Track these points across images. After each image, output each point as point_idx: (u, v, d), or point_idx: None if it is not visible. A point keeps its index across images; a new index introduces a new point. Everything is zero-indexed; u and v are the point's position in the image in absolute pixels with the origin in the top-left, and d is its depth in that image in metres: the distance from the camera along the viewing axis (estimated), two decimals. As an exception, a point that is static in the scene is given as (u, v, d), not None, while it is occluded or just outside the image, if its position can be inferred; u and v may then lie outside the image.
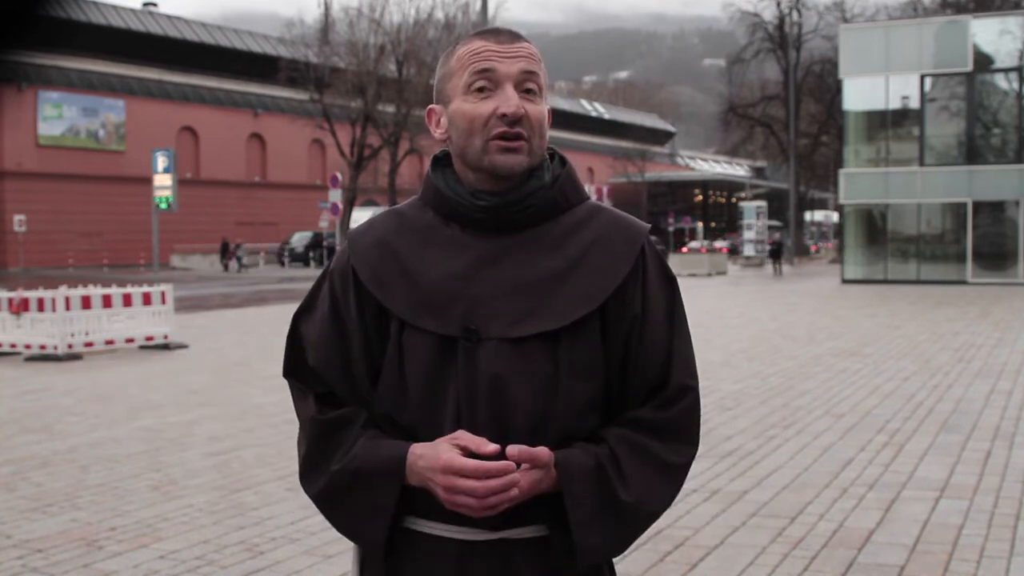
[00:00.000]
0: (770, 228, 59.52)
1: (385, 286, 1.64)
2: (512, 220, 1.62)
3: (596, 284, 1.61)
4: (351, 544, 1.73)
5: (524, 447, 1.51)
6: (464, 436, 1.53)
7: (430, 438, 1.58)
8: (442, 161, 1.69)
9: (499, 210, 1.61)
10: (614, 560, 1.73)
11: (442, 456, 1.50)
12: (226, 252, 47.51)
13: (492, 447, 1.51)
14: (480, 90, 1.59)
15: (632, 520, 1.60)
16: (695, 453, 1.68)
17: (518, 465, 1.51)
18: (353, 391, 1.66)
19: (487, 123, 1.58)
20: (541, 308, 1.59)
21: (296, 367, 1.72)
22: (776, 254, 39.68)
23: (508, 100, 1.57)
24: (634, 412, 1.63)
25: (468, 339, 1.58)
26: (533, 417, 1.56)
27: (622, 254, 1.64)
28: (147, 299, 14.67)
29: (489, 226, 1.62)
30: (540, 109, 1.62)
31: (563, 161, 1.70)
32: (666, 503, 1.65)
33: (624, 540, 1.62)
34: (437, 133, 1.67)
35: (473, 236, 1.62)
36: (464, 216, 1.63)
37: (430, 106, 1.69)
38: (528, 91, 1.60)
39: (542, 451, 1.53)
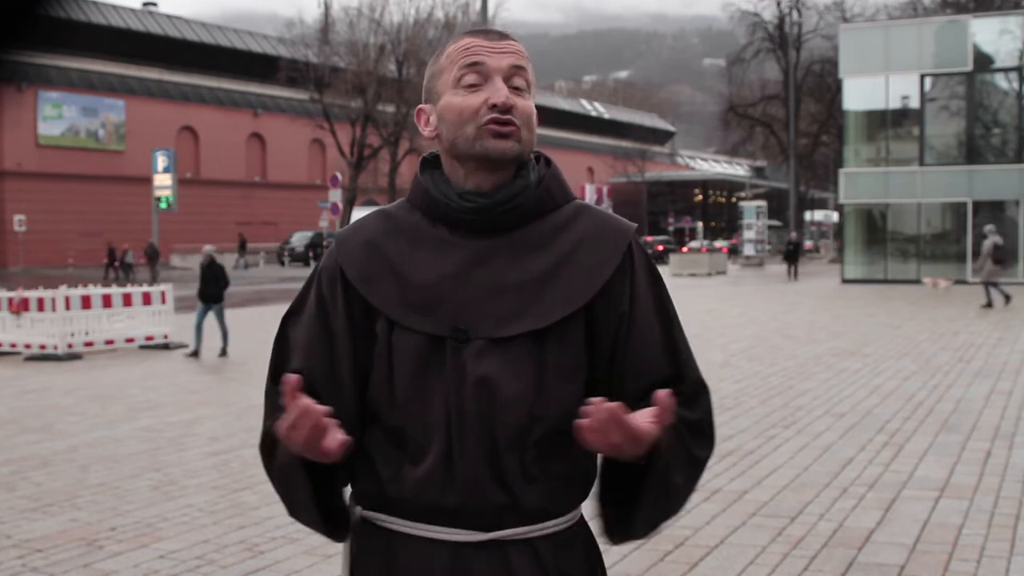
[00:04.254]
0: (776, 227, 59.57)
1: (374, 285, 1.64)
2: (499, 221, 1.63)
3: (582, 283, 1.62)
4: (343, 545, 1.73)
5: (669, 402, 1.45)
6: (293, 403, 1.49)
7: (419, 438, 1.59)
8: (431, 163, 1.70)
9: (486, 212, 1.62)
10: (615, 561, 1.73)
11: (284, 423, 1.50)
12: (113, 259, 41.15)
13: (296, 377, 1.49)
14: (470, 85, 1.61)
15: (673, 505, 1.65)
16: (714, 450, 1.70)
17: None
18: (336, 393, 1.64)
19: (478, 113, 1.59)
20: (528, 308, 1.60)
21: (278, 374, 1.69)
22: (792, 256, 35.03)
23: (497, 91, 1.59)
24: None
25: (457, 339, 1.59)
26: (520, 416, 1.57)
27: (609, 252, 1.64)
28: (147, 299, 14.69)
29: (477, 227, 1.63)
30: (528, 104, 1.63)
31: (548, 162, 1.71)
32: (688, 498, 1.68)
33: (661, 523, 1.67)
34: (426, 131, 1.68)
35: (461, 237, 1.63)
36: (452, 218, 1.63)
37: (419, 106, 1.70)
38: (516, 87, 1.62)
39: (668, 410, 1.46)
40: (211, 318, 13.35)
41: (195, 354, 13.19)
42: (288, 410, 1.48)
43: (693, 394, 1.64)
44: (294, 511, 1.69)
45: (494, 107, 1.58)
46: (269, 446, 1.67)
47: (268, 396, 1.71)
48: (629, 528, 1.65)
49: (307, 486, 1.60)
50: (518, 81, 1.62)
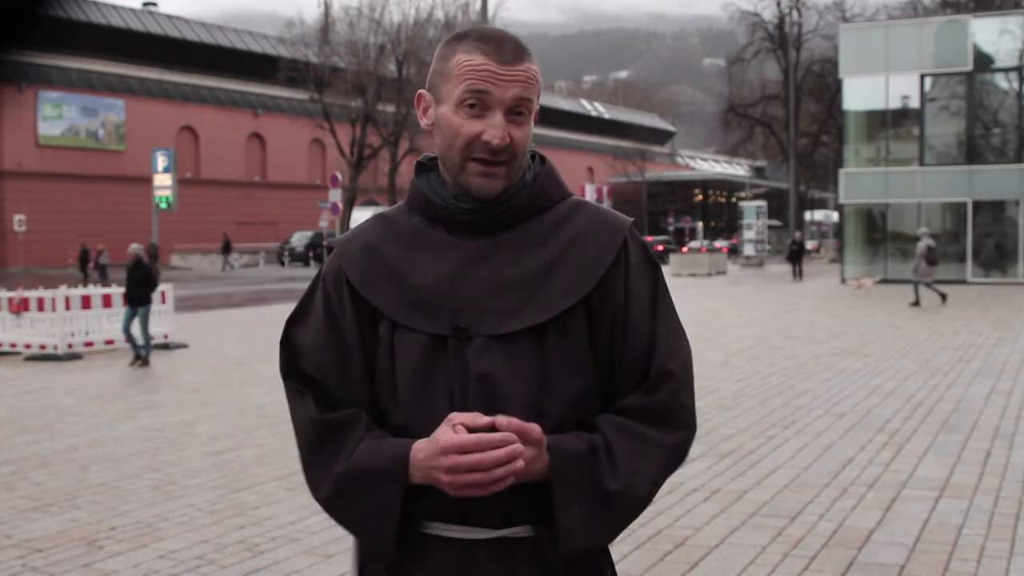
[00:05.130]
0: (776, 227, 59.50)
1: (375, 287, 1.65)
2: (496, 220, 1.64)
3: (580, 277, 1.63)
4: (351, 544, 1.73)
5: (514, 419, 1.51)
6: (457, 416, 1.53)
7: (422, 437, 1.58)
8: (426, 166, 1.71)
9: (483, 213, 1.63)
10: (615, 560, 1.72)
11: (440, 439, 1.50)
12: (86, 261, 39.69)
13: (487, 419, 1.51)
14: (471, 106, 1.59)
15: (620, 508, 1.59)
16: (690, 434, 1.67)
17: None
18: (351, 394, 1.66)
19: (469, 143, 1.59)
20: (528, 304, 1.61)
21: (292, 370, 1.72)
22: (797, 256, 34.04)
23: (495, 128, 1.57)
24: (622, 401, 1.64)
25: (458, 337, 1.60)
26: (525, 413, 1.56)
27: (605, 246, 1.65)
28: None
29: (474, 227, 1.64)
30: (525, 132, 1.62)
31: (543, 160, 1.72)
32: (658, 484, 1.63)
33: (611, 528, 1.60)
34: (423, 121, 1.69)
35: (459, 237, 1.64)
36: (449, 219, 1.65)
37: (420, 91, 1.70)
38: (518, 113, 1.60)
39: (533, 427, 1.53)
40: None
41: (142, 361, 12.43)
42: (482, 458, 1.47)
43: (655, 380, 1.63)
44: (363, 524, 1.61)
45: (487, 144, 1.57)
46: (321, 447, 1.64)
47: (290, 394, 1.70)
48: (558, 539, 1.56)
49: (398, 495, 1.56)
50: (520, 110, 1.60)
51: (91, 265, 39.76)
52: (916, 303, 20.57)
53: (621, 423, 1.61)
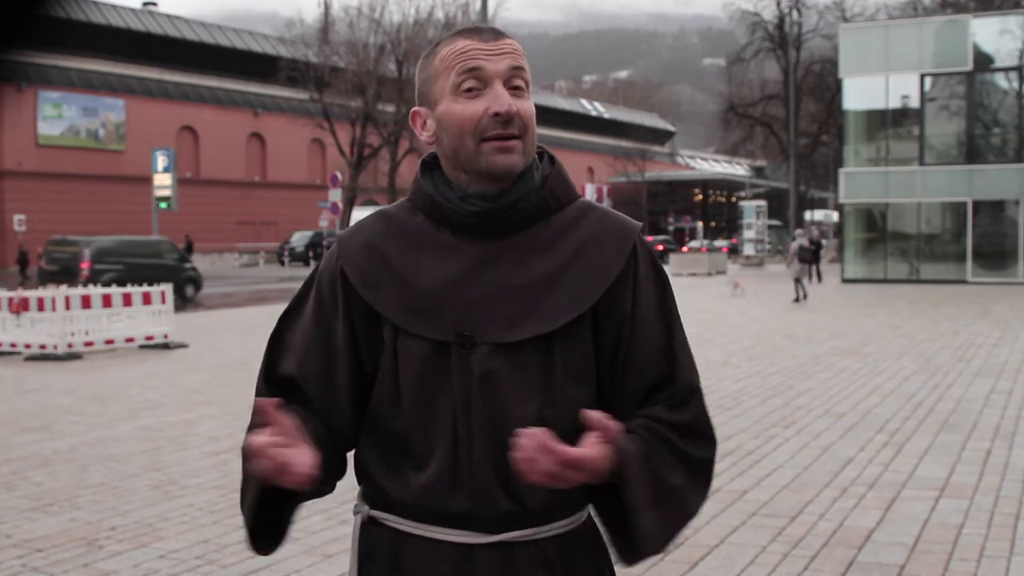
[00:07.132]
0: (776, 227, 59.49)
1: (376, 289, 1.62)
2: (504, 224, 1.60)
3: (588, 285, 1.60)
4: (350, 544, 1.73)
5: (605, 453, 1.47)
6: (262, 404, 1.48)
7: (424, 444, 1.58)
8: (430, 164, 1.68)
9: (490, 215, 1.59)
10: (614, 560, 1.72)
11: (245, 442, 1.49)
12: (25, 265, 38.02)
13: (272, 400, 1.47)
14: (469, 90, 1.57)
15: (680, 507, 1.58)
16: (716, 447, 1.67)
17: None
18: (331, 399, 1.64)
19: (479, 123, 1.56)
20: (534, 311, 1.58)
21: (270, 374, 1.70)
22: (815, 257, 30.35)
23: (499, 98, 1.55)
24: (648, 411, 1.61)
25: (462, 345, 1.57)
26: (529, 421, 1.54)
27: (613, 253, 1.62)
28: (147, 299, 14.67)
29: (481, 231, 1.60)
30: (529, 105, 1.60)
31: (552, 160, 1.68)
32: (702, 500, 1.63)
33: (674, 530, 1.59)
34: (424, 136, 1.64)
35: (465, 240, 1.61)
36: (455, 221, 1.61)
37: (414, 108, 1.66)
38: (516, 87, 1.58)
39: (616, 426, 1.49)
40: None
41: None
42: (257, 441, 1.45)
43: (684, 397, 1.62)
44: (242, 508, 1.70)
45: (496, 115, 1.55)
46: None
47: (259, 395, 1.69)
48: (636, 544, 1.56)
49: (255, 494, 1.60)
50: (517, 82, 1.58)
51: (32, 266, 37.08)
52: (797, 299, 22.02)
53: (660, 432, 1.58)
